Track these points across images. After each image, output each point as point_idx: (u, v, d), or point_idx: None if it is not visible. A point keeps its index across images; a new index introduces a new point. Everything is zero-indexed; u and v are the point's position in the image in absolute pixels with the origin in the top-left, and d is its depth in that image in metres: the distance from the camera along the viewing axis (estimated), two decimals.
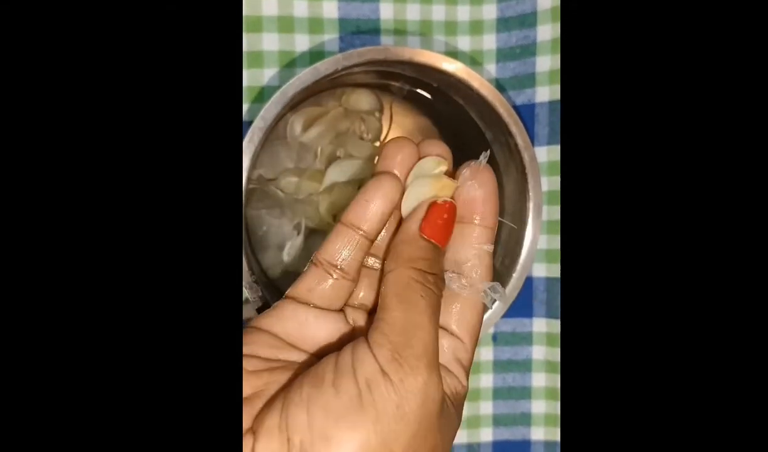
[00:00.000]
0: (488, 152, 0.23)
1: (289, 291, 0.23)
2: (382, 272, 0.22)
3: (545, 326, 0.39)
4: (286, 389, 0.20)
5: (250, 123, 0.33)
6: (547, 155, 0.37)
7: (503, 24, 0.37)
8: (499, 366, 0.39)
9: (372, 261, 0.24)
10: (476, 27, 0.37)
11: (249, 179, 0.29)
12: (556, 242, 0.37)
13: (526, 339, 0.39)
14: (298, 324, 0.22)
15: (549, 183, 0.37)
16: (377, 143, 0.37)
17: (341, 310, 0.23)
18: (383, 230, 0.23)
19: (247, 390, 0.21)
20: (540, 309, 0.39)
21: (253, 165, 0.29)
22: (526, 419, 0.40)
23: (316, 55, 0.35)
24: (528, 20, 0.36)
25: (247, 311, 0.34)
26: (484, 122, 0.35)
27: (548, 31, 0.36)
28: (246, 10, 0.33)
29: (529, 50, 0.37)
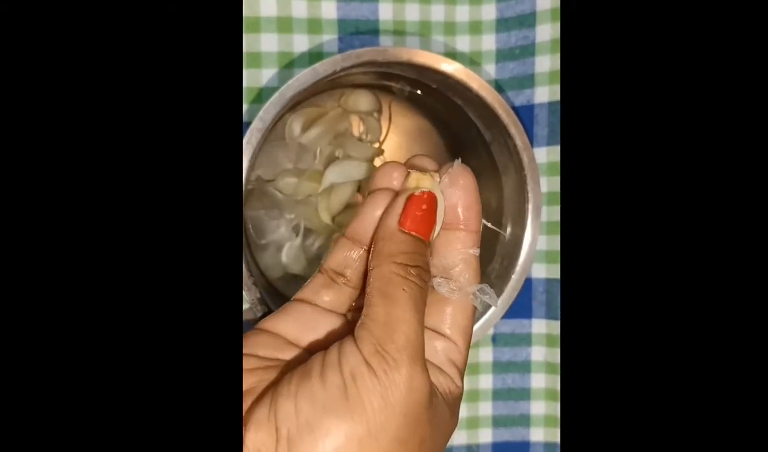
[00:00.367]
0: (459, 159, 0.23)
1: (296, 294, 0.24)
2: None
3: (545, 328, 0.39)
4: (275, 383, 0.21)
5: (248, 124, 0.33)
6: (546, 155, 0.37)
7: (502, 24, 0.37)
8: (499, 366, 0.39)
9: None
10: (475, 27, 0.37)
11: (247, 179, 0.29)
12: (555, 243, 0.37)
13: (526, 340, 0.39)
14: (301, 322, 0.23)
15: (548, 184, 0.37)
16: (376, 144, 0.37)
17: (344, 315, 0.24)
18: None
19: (250, 379, 0.21)
20: (539, 310, 0.39)
21: (252, 166, 0.29)
22: (525, 420, 0.40)
23: (314, 56, 0.35)
24: (527, 21, 0.36)
25: (246, 313, 0.34)
26: (483, 122, 0.35)
27: (547, 32, 0.36)
28: (244, 11, 0.33)
29: (528, 51, 0.37)
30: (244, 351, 0.22)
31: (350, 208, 0.37)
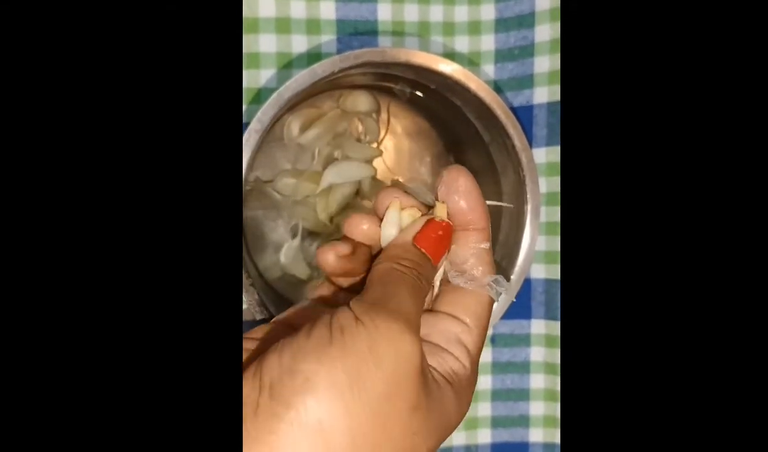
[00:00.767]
0: (451, 160, 0.24)
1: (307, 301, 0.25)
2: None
3: (544, 328, 0.39)
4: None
5: (247, 125, 0.33)
6: (545, 156, 0.37)
7: (501, 25, 0.37)
8: (498, 367, 0.39)
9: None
10: (474, 28, 0.37)
11: (246, 180, 0.30)
12: (554, 244, 0.37)
13: (525, 340, 0.39)
14: (303, 313, 0.24)
15: (547, 184, 0.37)
16: (375, 145, 0.38)
17: None
18: None
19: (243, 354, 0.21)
20: (539, 311, 0.39)
21: (250, 167, 0.29)
22: (524, 420, 0.40)
23: (313, 56, 0.35)
24: (526, 21, 0.36)
25: (244, 314, 0.34)
26: (482, 123, 0.35)
27: (547, 32, 0.36)
28: (244, 12, 0.33)
29: (527, 51, 0.37)
30: (254, 335, 0.23)
31: (349, 209, 0.37)
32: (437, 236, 0.23)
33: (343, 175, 0.36)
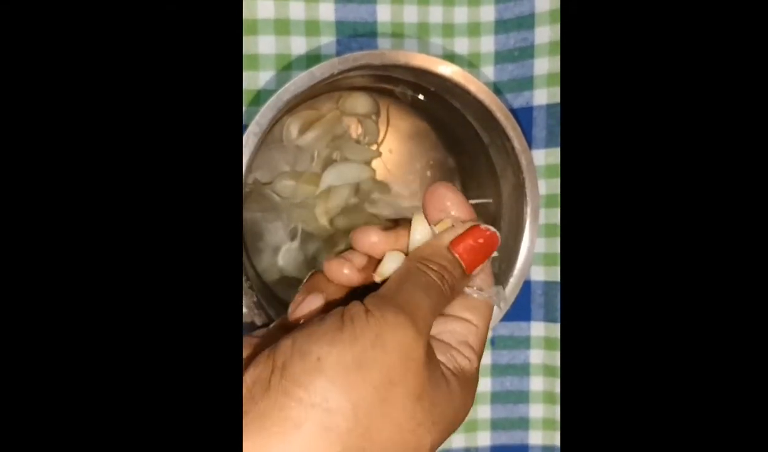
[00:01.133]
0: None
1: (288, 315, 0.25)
2: None
3: (543, 330, 0.39)
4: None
5: (246, 127, 0.33)
6: (545, 158, 0.37)
7: (501, 26, 0.37)
8: (497, 369, 0.39)
9: None
10: (474, 29, 0.37)
11: (245, 182, 0.30)
12: (554, 246, 0.38)
13: (524, 342, 0.39)
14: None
15: (547, 186, 0.37)
16: (374, 147, 0.38)
17: None
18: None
19: (244, 351, 0.22)
20: (538, 313, 0.39)
21: (249, 169, 0.29)
22: (524, 423, 0.40)
23: (312, 58, 0.35)
24: (526, 22, 0.36)
25: (245, 316, 0.34)
26: (481, 125, 0.35)
27: (546, 34, 0.36)
28: (243, 13, 0.33)
29: (527, 53, 0.37)
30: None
31: (348, 211, 0.37)
32: (477, 245, 0.23)
33: (342, 177, 0.36)
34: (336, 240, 0.38)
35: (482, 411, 0.39)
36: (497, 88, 0.37)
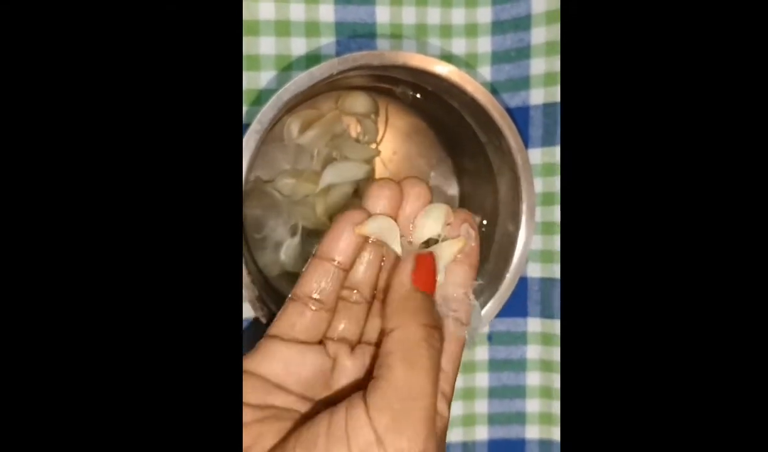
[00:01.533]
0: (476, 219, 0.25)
1: (270, 330, 0.24)
2: (370, 314, 0.24)
3: (540, 326, 0.39)
4: (280, 447, 0.21)
5: (247, 126, 0.33)
6: (540, 156, 0.37)
7: (498, 27, 0.37)
8: (495, 365, 0.40)
9: (348, 293, 0.24)
10: (471, 30, 0.37)
11: (246, 180, 0.30)
12: (550, 243, 0.38)
13: (521, 338, 0.39)
14: (283, 363, 0.23)
15: (543, 184, 0.37)
16: (373, 145, 0.38)
17: (322, 343, 0.24)
18: (363, 266, 0.24)
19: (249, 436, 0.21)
20: (535, 309, 0.39)
21: (251, 167, 0.30)
22: (521, 418, 0.40)
23: (312, 58, 0.35)
24: (522, 23, 0.37)
25: (246, 311, 0.34)
26: (478, 124, 0.36)
27: (542, 35, 0.36)
28: (244, 15, 0.34)
29: (523, 53, 0.37)
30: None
31: (347, 208, 0.37)
32: (429, 271, 0.23)
33: (341, 175, 0.36)
34: None
35: (480, 405, 0.40)
36: (494, 88, 0.38)
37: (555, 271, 0.38)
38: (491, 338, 0.39)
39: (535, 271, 0.39)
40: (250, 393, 0.22)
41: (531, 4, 0.36)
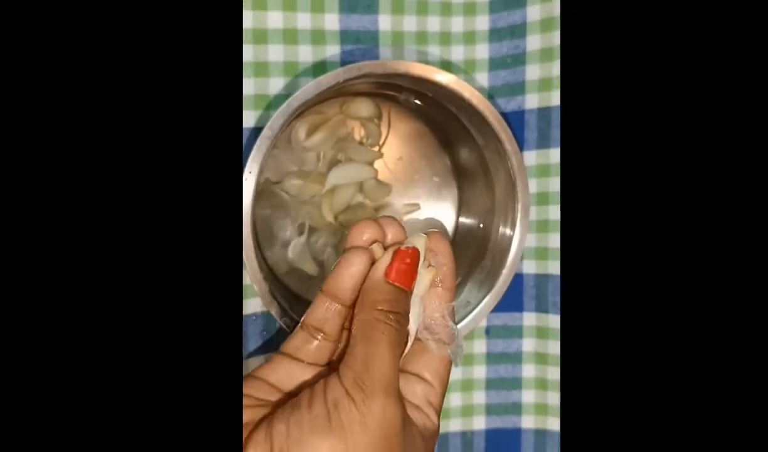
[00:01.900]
0: (435, 230, 0.26)
1: (282, 347, 0.26)
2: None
3: (535, 320, 0.40)
4: (271, 414, 0.23)
5: (258, 129, 0.34)
6: (535, 158, 0.38)
7: (495, 34, 0.37)
8: (492, 357, 0.40)
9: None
10: (469, 37, 0.38)
11: (257, 182, 0.31)
12: (544, 241, 0.38)
13: (517, 332, 0.40)
14: (289, 376, 0.25)
15: (537, 185, 0.38)
16: (376, 148, 0.39)
17: (329, 364, 0.26)
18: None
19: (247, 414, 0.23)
20: (530, 304, 0.40)
21: (261, 170, 0.31)
22: (517, 408, 0.41)
23: (318, 65, 0.36)
24: (518, 31, 0.37)
25: (254, 306, 0.35)
26: (475, 128, 0.36)
27: (537, 42, 0.37)
28: (253, 24, 0.34)
29: (519, 60, 0.38)
30: (243, 392, 0.24)
31: (352, 208, 0.38)
32: (406, 266, 0.25)
33: (346, 176, 0.37)
34: (341, 235, 0.39)
35: (477, 397, 0.40)
36: (491, 93, 0.38)
37: (549, 267, 0.38)
38: (489, 332, 0.40)
39: (530, 268, 0.39)
40: (257, 391, 0.25)
41: (527, 12, 0.37)
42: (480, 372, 0.40)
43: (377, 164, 0.39)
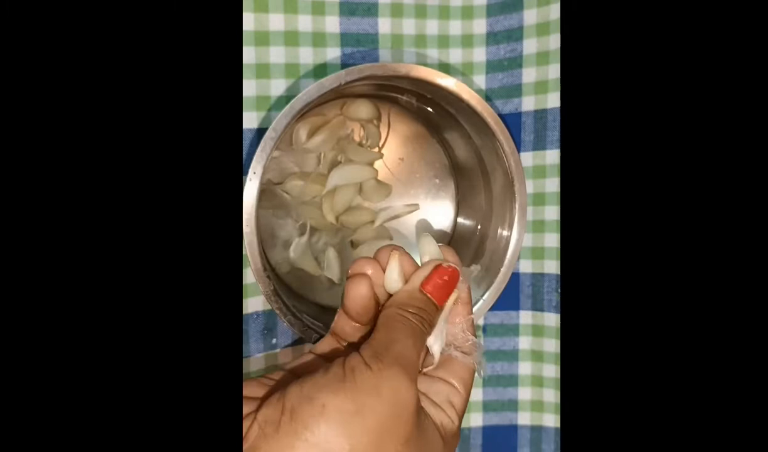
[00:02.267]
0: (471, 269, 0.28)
1: (312, 348, 0.28)
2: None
3: (531, 319, 0.40)
4: (284, 380, 0.24)
5: (260, 130, 0.34)
6: (532, 159, 0.39)
7: (492, 38, 0.38)
8: (489, 355, 0.41)
9: None
10: (467, 41, 0.38)
11: (260, 183, 0.31)
12: (540, 241, 0.39)
13: (513, 330, 0.40)
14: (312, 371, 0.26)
15: (534, 185, 0.38)
16: (376, 149, 0.39)
17: None
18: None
19: (259, 391, 0.24)
20: (526, 302, 0.40)
21: (264, 171, 0.31)
22: (513, 405, 0.41)
23: (319, 67, 0.36)
24: (515, 34, 0.38)
25: (255, 305, 0.36)
26: (474, 129, 0.37)
27: (533, 45, 0.37)
28: (255, 26, 0.34)
29: (515, 62, 0.38)
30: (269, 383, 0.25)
31: (352, 208, 0.39)
32: (443, 282, 0.26)
33: (346, 177, 0.37)
34: (341, 235, 0.39)
35: (474, 393, 0.41)
36: (488, 96, 0.39)
37: (545, 267, 0.39)
38: (485, 330, 0.40)
39: (526, 267, 0.40)
40: (281, 383, 0.25)
41: (523, 16, 0.37)
42: None
43: (377, 164, 0.39)
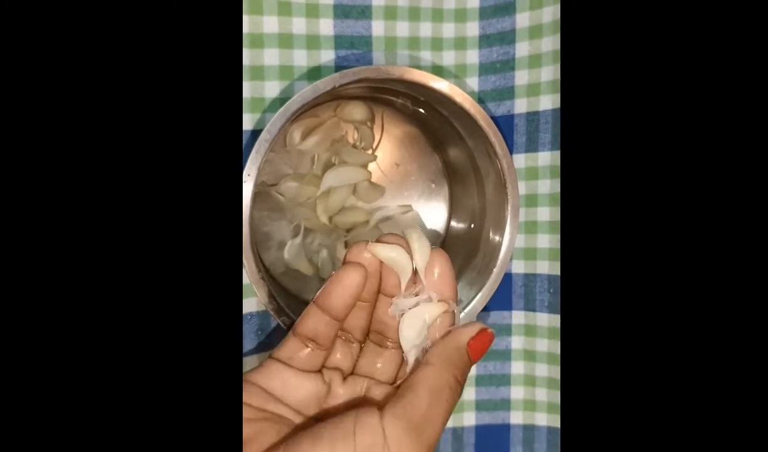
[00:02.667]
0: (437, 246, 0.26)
1: (274, 353, 0.26)
2: (375, 346, 0.26)
3: (523, 319, 0.40)
4: (286, 441, 0.22)
5: (254, 131, 0.34)
6: (524, 161, 0.39)
7: (485, 41, 0.38)
8: None
9: (342, 334, 0.27)
10: (460, 43, 0.38)
11: (255, 184, 0.31)
12: (533, 241, 0.39)
13: (506, 330, 0.41)
14: (281, 383, 0.25)
15: (526, 187, 0.39)
16: (369, 151, 0.39)
17: (320, 371, 0.26)
18: (355, 316, 0.26)
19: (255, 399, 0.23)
20: (519, 303, 0.40)
21: (259, 172, 0.31)
22: (505, 404, 0.41)
23: (313, 69, 0.36)
24: (507, 37, 0.38)
25: (249, 306, 0.36)
26: (467, 131, 0.37)
27: (526, 48, 0.38)
28: (249, 28, 0.34)
29: (508, 65, 0.38)
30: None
31: (346, 209, 0.39)
32: (484, 346, 0.25)
33: (340, 179, 0.37)
34: (335, 236, 0.39)
35: (467, 393, 0.41)
36: (481, 98, 0.39)
37: (537, 267, 0.39)
38: None
39: (519, 267, 0.40)
40: (252, 397, 0.24)
41: (516, 19, 0.38)
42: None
43: (371, 166, 0.39)
